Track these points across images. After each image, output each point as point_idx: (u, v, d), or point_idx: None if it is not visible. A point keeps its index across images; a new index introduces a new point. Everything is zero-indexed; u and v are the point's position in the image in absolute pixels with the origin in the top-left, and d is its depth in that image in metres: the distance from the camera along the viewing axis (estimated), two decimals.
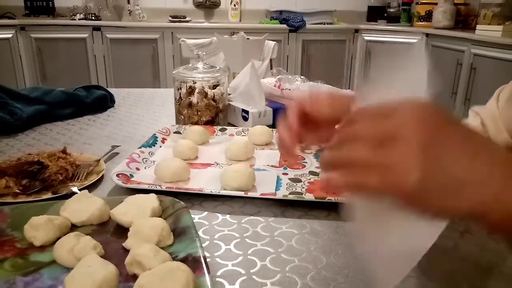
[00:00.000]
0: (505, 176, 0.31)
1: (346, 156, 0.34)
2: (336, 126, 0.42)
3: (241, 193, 0.63)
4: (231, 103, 1.05)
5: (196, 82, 0.97)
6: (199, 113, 0.98)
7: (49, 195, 0.63)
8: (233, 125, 1.03)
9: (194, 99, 0.97)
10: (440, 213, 0.32)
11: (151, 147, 0.82)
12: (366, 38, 3.44)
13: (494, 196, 0.30)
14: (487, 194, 0.30)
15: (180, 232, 0.52)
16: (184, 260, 0.45)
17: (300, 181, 0.70)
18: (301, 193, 0.66)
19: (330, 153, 0.35)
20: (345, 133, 0.35)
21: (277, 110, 1.01)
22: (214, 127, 0.95)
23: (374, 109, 0.34)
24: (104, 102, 1.19)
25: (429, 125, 0.31)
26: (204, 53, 1.03)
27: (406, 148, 0.30)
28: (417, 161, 0.30)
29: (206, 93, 0.97)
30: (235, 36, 1.70)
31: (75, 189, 0.64)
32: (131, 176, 0.69)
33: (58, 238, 0.49)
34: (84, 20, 3.24)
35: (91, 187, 0.67)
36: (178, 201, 0.58)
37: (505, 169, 0.31)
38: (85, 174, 0.70)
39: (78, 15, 3.27)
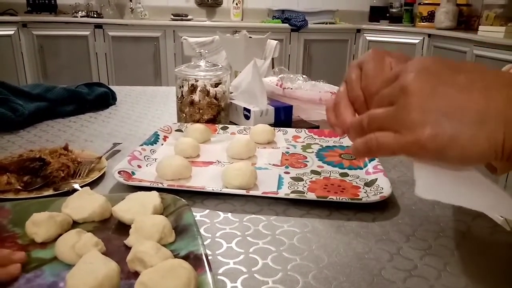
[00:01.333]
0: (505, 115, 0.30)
1: (365, 121, 0.36)
2: None
3: (243, 192, 0.63)
4: (233, 101, 1.05)
5: (198, 80, 0.97)
6: (201, 111, 0.98)
7: (50, 191, 0.63)
8: (235, 124, 1.02)
9: (196, 97, 0.97)
10: (462, 159, 0.31)
11: (152, 144, 0.82)
12: (368, 38, 3.44)
13: (505, 118, 0.29)
14: (497, 121, 0.29)
15: (181, 229, 0.52)
16: (185, 258, 0.45)
17: (301, 180, 0.70)
18: (303, 192, 0.66)
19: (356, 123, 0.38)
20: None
21: (279, 109, 1.01)
22: (216, 125, 0.95)
23: (385, 76, 0.35)
24: (106, 100, 1.19)
25: (431, 71, 0.32)
26: (206, 51, 1.03)
27: (411, 100, 0.31)
28: (422, 114, 0.31)
29: (208, 91, 0.97)
30: (237, 34, 1.70)
31: (76, 186, 0.64)
32: (133, 173, 0.69)
33: (60, 235, 0.49)
34: (86, 18, 3.24)
35: (92, 184, 0.67)
36: (179, 198, 0.58)
37: (502, 105, 0.30)
38: (86, 171, 0.70)
39: (80, 12, 3.27)
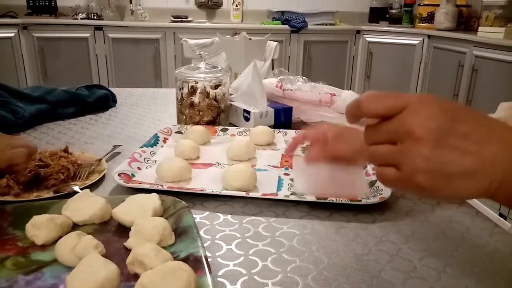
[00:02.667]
0: (498, 171, 0.34)
1: (374, 152, 0.38)
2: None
3: (243, 193, 0.63)
4: (232, 103, 1.05)
5: (198, 82, 0.97)
6: (200, 113, 0.98)
7: (50, 194, 0.63)
8: (235, 125, 1.03)
9: (196, 99, 0.97)
10: (451, 199, 0.37)
11: (152, 146, 0.82)
12: (367, 39, 3.44)
13: (491, 171, 0.34)
14: (486, 173, 0.34)
15: (181, 231, 0.52)
16: (185, 260, 0.45)
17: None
18: (303, 194, 0.65)
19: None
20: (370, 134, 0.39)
21: (279, 111, 1.01)
22: (216, 127, 0.95)
23: (386, 104, 0.36)
24: (106, 102, 1.19)
25: (437, 122, 0.34)
26: (206, 53, 1.03)
27: (416, 147, 0.34)
28: (424, 179, 0.34)
29: (208, 93, 0.97)
30: (237, 36, 1.71)
31: (76, 188, 0.64)
32: (133, 175, 0.70)
33: (60, 237, 0.49)
34: (86, 20, 3.24)
35: (92, 187, 0.67)
36: (179, 200, 0.58)
37: (498, 165, 0.34)
38: (86, 173, 0.70)
39: (80, 14, 3.27)
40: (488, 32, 2.61)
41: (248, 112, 0.99)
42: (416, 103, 0.35)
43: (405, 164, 0.35)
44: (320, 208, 0.62)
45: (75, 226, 0.54)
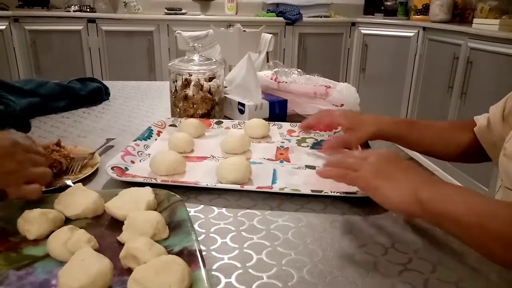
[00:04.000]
0: (420, 183, 0.52)
1: (343, 161, 0.59)
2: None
3: (237, 186, 0.63)
4: (227, 96, 1.04)
5: (192, 75, 0.96)
6: (194, 106, 0.97)
7: (43, 188, 0.62)
8: (229, 118, 1.02)
9: (190, 91, 0.96)
10: (382, 203, 0.53)
11: (146, 140, 0.82)
12: (362, 31, 3.43)
13: (413, 195, 0.50)
14: (407, 195, 0.51)
15: (175, 225, 0.51)
16: (179, 254, 0.45)
17: (296, 174, 0.70)
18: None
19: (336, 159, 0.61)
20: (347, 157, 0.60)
21: (274, 103, 1.00)
22: (210, 120, 0.95)
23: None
24: (99, 95, 1.18)
25: (381, 162, 0.56)
26: (200, 45, 1.02)
27: (368, 169, 0.55)
28: (372, 177, 0.54)
29: (202, 86, 0.96)
30: (231, 28, 1.69)
31: (69, 182, 0.63)
32: (126, 169, 0.69)
33: (52, 232, 0.49)
34: (78, 12, 3.20)
35: (85, 180, 0.66)
36: (173, 194, 0.57)
37: (420, 179, 0.53)
38: (79, 167, 0.69)
39: (72, 7, 3.24)
40: (483, 24, 2.61)
41: (243, 105, 0.98)
42: (373, 153, 0.58)
43: (361, 170, 0.56)
44: (315, 201, 0.61)
45: (67, 221, 0.54)
